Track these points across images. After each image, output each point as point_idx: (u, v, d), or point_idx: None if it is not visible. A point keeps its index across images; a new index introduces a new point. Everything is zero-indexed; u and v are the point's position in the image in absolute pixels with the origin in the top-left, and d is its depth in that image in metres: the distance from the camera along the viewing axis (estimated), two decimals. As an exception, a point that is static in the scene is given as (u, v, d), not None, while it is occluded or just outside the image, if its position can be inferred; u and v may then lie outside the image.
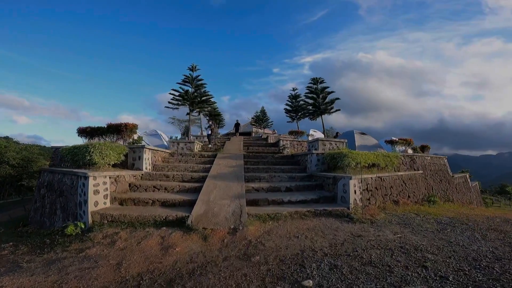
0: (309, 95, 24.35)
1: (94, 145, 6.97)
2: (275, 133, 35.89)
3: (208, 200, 6.17)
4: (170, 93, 19.02)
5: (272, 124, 42.19)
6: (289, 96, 28.68)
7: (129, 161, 8.55)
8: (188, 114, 18.78)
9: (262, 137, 24.62)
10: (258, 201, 6.47)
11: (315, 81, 24.16)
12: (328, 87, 23.65)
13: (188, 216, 5.39)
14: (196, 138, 19.13)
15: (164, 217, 5.53)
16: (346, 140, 10.49)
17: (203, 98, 19.16)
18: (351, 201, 6.31)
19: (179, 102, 18.91)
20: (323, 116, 23.66)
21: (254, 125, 41.82)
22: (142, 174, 8.22)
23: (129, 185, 7.37)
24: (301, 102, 26.65)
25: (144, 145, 8.39)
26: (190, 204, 6.08)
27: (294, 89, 28.90)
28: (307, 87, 24.23)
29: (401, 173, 9.79)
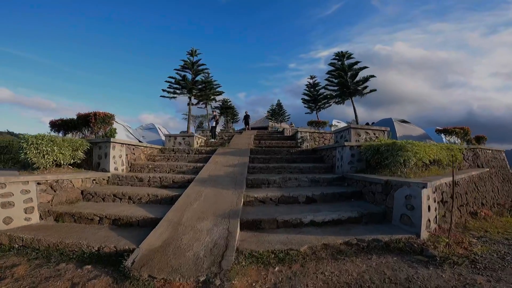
0: (334, 73, 19.68)
1: (28, 140, 4.89)
2: (293, 127, 33.08)
3: (178, 221, 3.81)
4: (166, 81, 16.70)
5: (289, 117, 39.39)
6: (306, 85, 25.74)
7: (94, 160, 6.45)
8: (188, 104, 16.51)
9: (278, 130, 21.99)
10: (261, 223, 4.00)
11: (341, 56, 19.70)
12: (358, 62, 19.04)
13: (133, 251, 3.09)
14: (202, 132, 16.98)
15: (97, 248, 3.30)
16: (388, 129, 7.69)
17: (204, 84, 16.80)
18: (423, 223, 3.66)
19: (177, 91, 16.66)
20: (353, 98, 18.82)
21: (270, 119, 39.23)
22: (109, 177, 6.08)
23: (82, 192, 5.23)
24: (322, 90, 23.58)
25: (110, 139, 6.23)
26: (155, 224, 3.79)
27: (312, 77, 25.89)
28: (331, 63, 20.04)
29: (474, 173, 6.86)
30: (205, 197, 4.69)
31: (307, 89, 25.36)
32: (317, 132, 13.10)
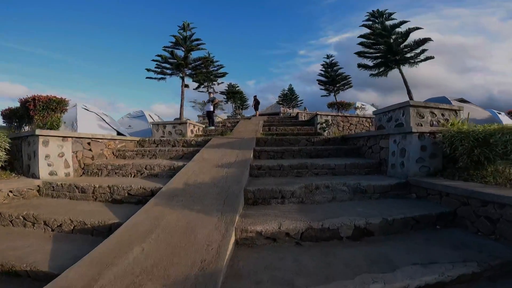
0: (372, 36, 14.92)
1: None
2: (306, 111, 30.31)
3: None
4: (153, 60, 13.75)
5: (302, 103, 36.46)
6: (323, 65, 22.68)
7: (24, 162, 4.38)
8: (182, 86, 13.43)
9: (291, 115, 19.46)
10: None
11: (378, 15, 15.17)
12: (405, 22, 14.23)
13: None
14: (204, 118, 14.76)
15: None
16: (463, 107, 5.11)
17: (200, 62, 13.64)
18: None
19: (166, 71, 13.52)
20: (402, 67, 14.17)
21: (281, 104, 36.44)
22: (39, 186, 3.99)
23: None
24: (340, 71, 20.57)
25: (36, 132, 4.09)
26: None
27: (328, 57, 22.73)
28: (364, 24, 15.53)
29: None
30: (160, 235, 2.45)
31: (323, 69, 22.38)
32: (341, 116, 10.56)
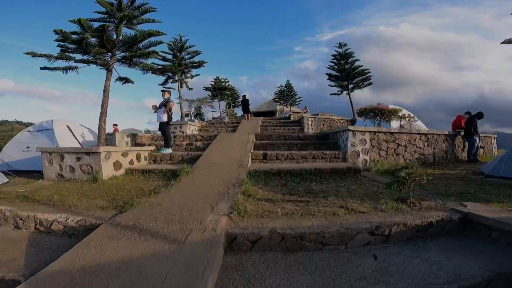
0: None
1: None
2: (307, 111, 25.94)
3: None
4: (56, 40, 7.31)
5: (301, 100, 32.03)
6: (334, 56, 18.19)
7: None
8: (107, 80, 7.52)
9: (291, 118, 15.06)
10: None
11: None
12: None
13: None
14: (203, 120, 10.18)
15: None
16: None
17: (139, 40, 7.51)
18: None
19: (73, 55, 7.43)
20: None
21: (278, 101, 31.98)
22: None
23: None
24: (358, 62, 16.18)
25: None
26: None
27: (341, 45, 18.20)
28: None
29: None
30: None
31: (334, 60, 17.94)
32: (385, 131, 6.30)
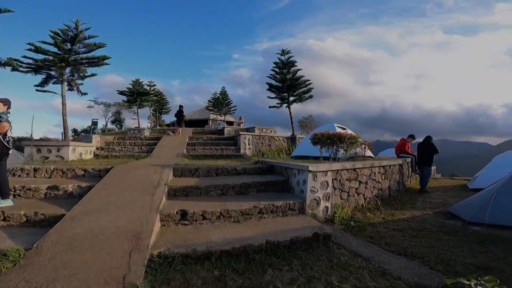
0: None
1: None
2: (242, 122, 24.64)
3: None
4: None
5: (235, 110, 30.54)
6: (276, 64, 16.98)
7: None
8: None
9: (225, 133, 13.14)
10: None
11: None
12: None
13: None
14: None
15: None
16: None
17: None
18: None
19: None
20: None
21: (211, 110, 29.68)
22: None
23: None
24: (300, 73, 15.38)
25: None
26: None
27: (284, 53, 17.14)
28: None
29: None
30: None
31: (276, 69, 16.77)
32: (351, 169, 4.89)
